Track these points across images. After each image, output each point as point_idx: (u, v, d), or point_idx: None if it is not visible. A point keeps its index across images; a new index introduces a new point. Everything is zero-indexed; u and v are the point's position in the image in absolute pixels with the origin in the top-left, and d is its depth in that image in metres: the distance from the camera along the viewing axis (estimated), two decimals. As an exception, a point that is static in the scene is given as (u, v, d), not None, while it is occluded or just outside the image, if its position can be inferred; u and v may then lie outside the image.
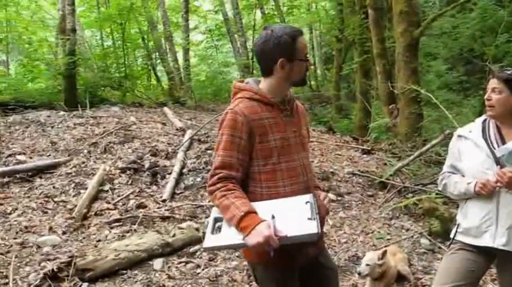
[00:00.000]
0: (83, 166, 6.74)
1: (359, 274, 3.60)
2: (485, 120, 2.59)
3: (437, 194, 5.46)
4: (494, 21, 10.09)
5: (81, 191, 5.95)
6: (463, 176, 2.57)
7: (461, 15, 11.32)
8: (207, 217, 5.22)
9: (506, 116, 2.46)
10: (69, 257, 4.19)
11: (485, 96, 2.49)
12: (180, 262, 4.43)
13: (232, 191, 2.02)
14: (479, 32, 10.83)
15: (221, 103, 15.05)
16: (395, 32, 9.10)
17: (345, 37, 14.08)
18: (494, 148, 2.43)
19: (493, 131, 2.50)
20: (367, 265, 3.56)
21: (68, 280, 3.94)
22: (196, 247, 4.65)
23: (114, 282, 4.04)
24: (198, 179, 6.39)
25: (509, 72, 2.45)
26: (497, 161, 2.39)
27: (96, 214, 5.48)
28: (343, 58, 15.68)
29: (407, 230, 5.31)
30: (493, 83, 2.47)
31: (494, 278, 3.80)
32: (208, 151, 7.21)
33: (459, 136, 2.63)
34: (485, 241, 2.42)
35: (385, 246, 4.66)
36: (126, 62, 14.89)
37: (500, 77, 2.44)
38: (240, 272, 4.21)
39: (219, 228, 2.02)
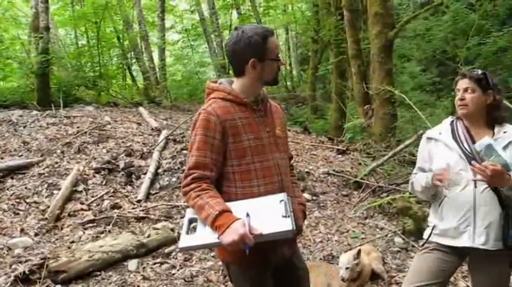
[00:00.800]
0: (56, 166, 6.64)
1: (343, 280, 3.63)
2: (452, 121, 2.64)
3: (410, 193, 5.54)
4: (466, 25, 10.29)
5: (54, 191, 5.86)
6: None
7: (434, 18, 11.51)
8: (182, 217, 5.20)
9: (477, 115, 2.51)
10: (42, 259, 4.13)
11: (458, 97, 2.52)
12: (155, 263, 4.40)
13: (207, 191, 2.01)
14: (452, 34, 11.04)
15: (197, 103, 15.00)
16: (370, 33, 9.20)
17: (320, 38, 14.15)
18: (465, 149, 2.47)
19: (461, 131, 2.55)
20: (347, 268, 3.59)
21: (40, 282, 3.88)
22: (172, 248, 4.63)
23: (87, 284, 3.99)
24: (174, 180, 6.36)
25: (478, 72, 2.52)
26: (470, 161, 2.42)
27: (69, 215, 5.40)
28: (319, 59, 15.77)
29: (382, 229, 5.38)
30: (464, 83, 2.51)
31: (466, 275, 3.88)
32: (184, 151, 7.18)
33: (429, 138, 2.66)
34: (464, 242, 2.44)
35: (360, 245, 4.72)
36: (101, 61, 14.70)
37: (472, 76, 2.50)
38: (216, 273, 4.21)
39: (194, 228, 2.02)
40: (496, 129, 2.50)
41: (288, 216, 1.93)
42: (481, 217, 2.40)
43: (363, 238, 5.11)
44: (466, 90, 2.50)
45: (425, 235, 2.68)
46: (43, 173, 6.38)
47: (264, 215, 1.97)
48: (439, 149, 2.58)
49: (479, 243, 2.40)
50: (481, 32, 10.20)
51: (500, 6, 10.51)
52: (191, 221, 2.05)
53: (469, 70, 2.59)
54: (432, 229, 2.61)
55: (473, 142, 2.47)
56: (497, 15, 10.81)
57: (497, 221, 2.38)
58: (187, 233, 2.01)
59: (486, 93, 2.49)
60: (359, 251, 3.72)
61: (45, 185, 6.04)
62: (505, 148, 2.41)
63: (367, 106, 9.63)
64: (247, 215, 1.94)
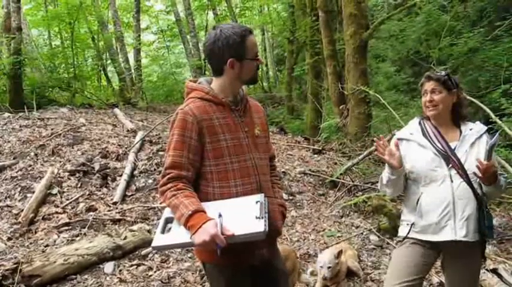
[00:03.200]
0: (29, 169, 6.53)
1: (325, 279, 3.64)
2: (420, 121, 2.73)
3: (385, 191, 5.62)
4: (438, 26, 10.46)
5: (28, 195, 5.77)
6: (409, 177, 2.66)
7: (408, 19, 11.67)
8: (158, 219, 5.16)
9: (446, 114, 2.62)
10: (15, 263, 4.04)
11: (427, 99, 2.61)
12: (132, 265, 4.37)
13: (182, 191, 2.02)
14: (425, 35, 11.21)
15: (173, 104, 14.93)
16: (345, 34, 9.28)
17: (296, 39, 14.24)
18: (438, 147, 2.55)
19: (431, 130, 2.64)
20: (329, 267, 3.60)
21: (13, 287, 3.82)
22: (148, 249, 4.60)
23: (63, 288, 3.95)
24: (150, 181, 6.33)
25: (441, 73, 2.62)
26: (444, 158, 2.51)
27: (43, 218, 5.32)
28: (295, 59, 15.83)
29: (357, 227, 5.45)
30: (430, 85, 2.61)
31: (439, 270, 3.95)
32: (160, 152, 7.15)
33: (399, 139, 2.72)
34: (446, 236, 2.49)
35: (336, 243, 4.77)
36: (75, 63, 14.47)
37: (439, 78, 2.59)
38: (193, 273, 4.20)
39: (170, 228, 2.02)
40: (462, 127, 2.62)
41: (262, 217, 1.92)
42: (460, 210, 2.47)
43: (339, 236, 5.17)
44: (433, 91, 2.60)
45: (401, 233, 2.70)
46: (16, 177, 6.27)
47: (238, 216, 1.97)
48: (412, 148, 2.64)
49: (461, 235, 2.46)
50: (453, 33, 10.38)
51: (471, 8, 10.74)
52: (167, 220, 2.06)
53: (433, 72, 2.70)
54: (411, 227, 2.63)
55: (444, 140, 2.57)
56: (468, 16, 11.03)
57: (474, 213, 2.47)
58: (162, 232, 2.01)
59: (451, 92, 2.60)
60: (340, 252, 3.74)
61: (18, 189, 5.94)
62: (472, 144, 2.52)
63: (342, 106, 9.72)
64: (220, 215, 1.94)
